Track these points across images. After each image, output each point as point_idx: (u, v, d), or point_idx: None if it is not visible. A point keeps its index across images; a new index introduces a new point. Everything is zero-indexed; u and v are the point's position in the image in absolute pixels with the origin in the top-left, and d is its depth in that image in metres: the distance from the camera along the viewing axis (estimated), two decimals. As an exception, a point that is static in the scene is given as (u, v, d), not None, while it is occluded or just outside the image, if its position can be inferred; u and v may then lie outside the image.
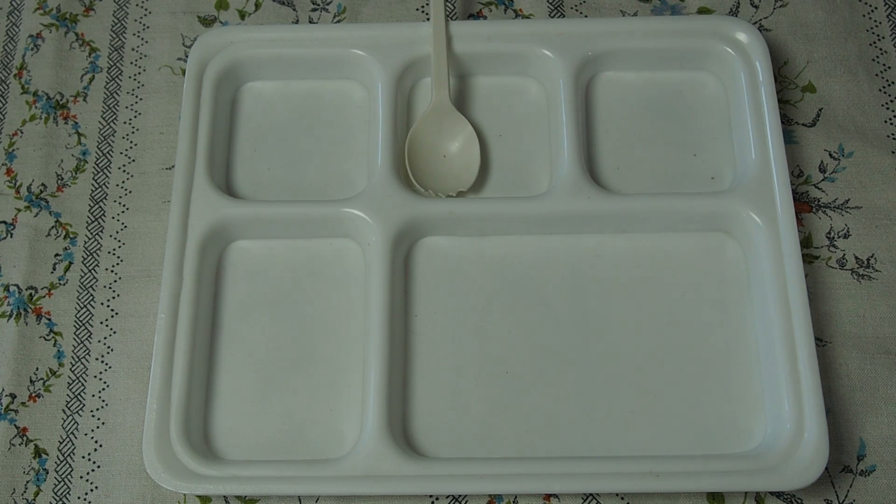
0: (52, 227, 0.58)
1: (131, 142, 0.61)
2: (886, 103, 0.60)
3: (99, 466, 0.53)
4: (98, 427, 0.54)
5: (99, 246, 0.58)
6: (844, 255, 0.56)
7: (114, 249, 0.58)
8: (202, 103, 0.58)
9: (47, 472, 0.53)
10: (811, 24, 0.62)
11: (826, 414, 0.49)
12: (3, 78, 0.63)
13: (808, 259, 0.56)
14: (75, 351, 0.55)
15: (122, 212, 0.59)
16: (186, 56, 0.62)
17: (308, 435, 0.52)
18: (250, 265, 0.56)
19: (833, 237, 0.57)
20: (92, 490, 0.52)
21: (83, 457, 0.53)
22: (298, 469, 0.50)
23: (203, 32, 0.62)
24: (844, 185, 0.58)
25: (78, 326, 0.56)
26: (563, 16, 0.63)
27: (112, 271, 0.57)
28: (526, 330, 0.54)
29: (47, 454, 0.53)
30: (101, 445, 0.53)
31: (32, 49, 0.63)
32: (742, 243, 0.55)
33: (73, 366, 0.55)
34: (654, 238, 0.56)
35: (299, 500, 0.52)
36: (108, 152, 0.60)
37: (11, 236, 0.58)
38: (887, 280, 0.55)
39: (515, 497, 0.51)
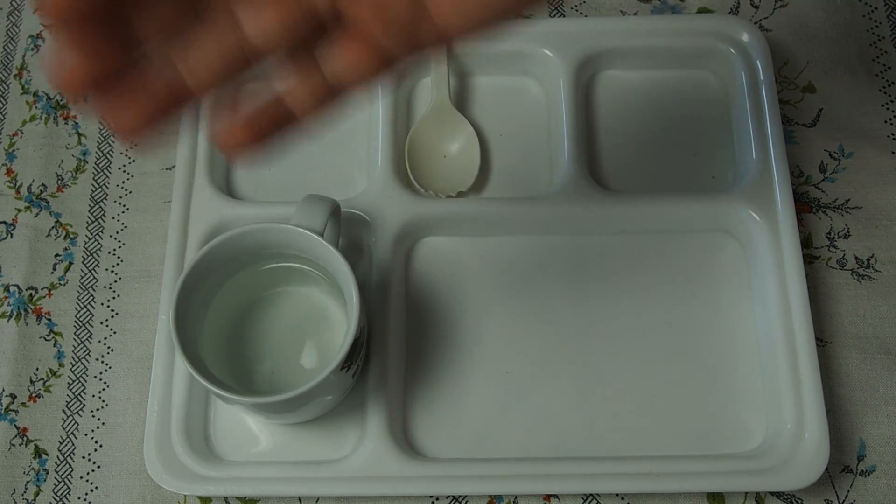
0: (53, 228, 0.58)
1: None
2: (886, 103, 0.60)
3: (99, 467, 0.53)
4: (98, 427, 0.54)
5: (99, 246, 0.58)
6: (844, 255, 0.56)
7: (114, 250, 0.58)
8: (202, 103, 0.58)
9: (47, 473, 0.53)
10: (811, 24, 0.62)
11: (826, 414, 0.49)
12: (3, 78, 0.63)
13: (809, 259, 0.56)
14: (75, 351, 0.55)
15: (123, 212, 0.59)
16: (186, 56, 0.62)
17: (308, 435, 0.52)
18: (250, 265, 0.56)
19: (833, 237, 0.57)
20: (92, 490, 0.52)
21: (83, 457, 0.53)
22: (299, 470, 0.50)
23: (203, 32, 0.62)
24: (844, 185, 0.58)
25: (78, 327, 0.56)
26: (563, 16, 0.63)
27: (112, 271, 0.57)
28: (526, 330, 0.54)
29: (47, 454, 0.53)
30: (101, 446, 0.53)
31: (32, 49, 0.63)
32: (742, 243, 0.55)
33: (73, 366, 0.55)
34: (655, 238, 0.56)
35: (299, 500, 0.52)
36: (108, 152, 0.60)
37: (11, 236, 0.58)
38: (887, 280, 0.55)
39: (515, 497, 0.51)
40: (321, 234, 0.48)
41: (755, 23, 0.62)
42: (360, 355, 0.48)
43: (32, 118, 0.62)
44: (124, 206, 0.59)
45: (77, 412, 0.54)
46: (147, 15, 0.28)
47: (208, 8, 0.29)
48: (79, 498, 0.52)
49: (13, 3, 0.65)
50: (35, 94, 0.62)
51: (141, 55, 0.29)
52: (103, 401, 0.54)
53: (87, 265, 0.57)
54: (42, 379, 0.55)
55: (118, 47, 0.28)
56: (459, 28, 0.31)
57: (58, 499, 0.52)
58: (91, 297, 0.57)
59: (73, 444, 0.53)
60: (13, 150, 0.61)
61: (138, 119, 0.30)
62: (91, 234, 0.58)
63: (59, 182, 0.60)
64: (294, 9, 0.29)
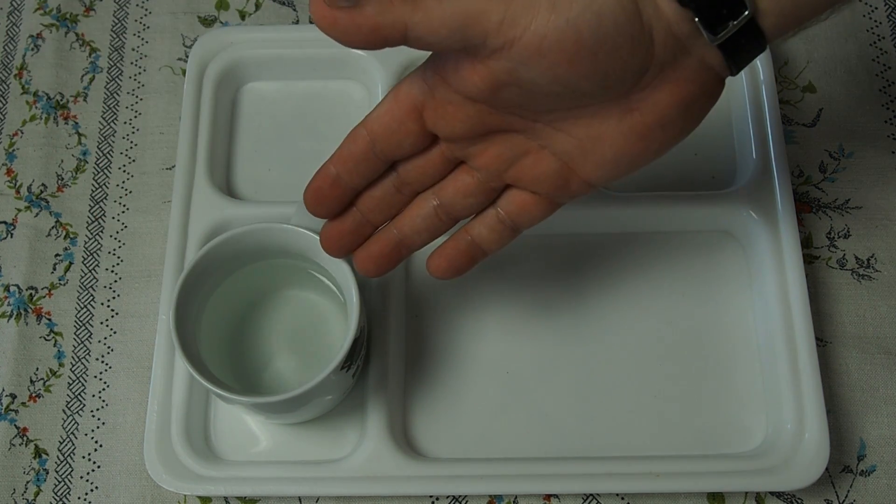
0: (53, 228, 0.58)
1: (131, 142, 0.61)
2: (886, 103, 0.60)
3: (99, 467, 0.53)
4: (98, 427, 0.54)
5: (99, 246, 0.58)
6: (844, 255, 0.56)
7: (114, 249, 0.58)
8: (202, 103, 0.58)
9: (47, 473, 0.53)
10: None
11: (826, 414, 0.49)
12: (3, 78, 0.63)
13: (809, 259, 0.56)
14: (75, 351, 0.55)
15: (123, 212, 0.59)
16: (187, 56, 0.62)
17: (308, 435, 0.52)
18: (250, 265, 0.56)
19: (833, 237, 0.57)
20: (92, 490, 0.52)
21: (83, 457, 0.53)
22: (299, 470, 0.50)
23: (203, 33, 0.62)
24: (844, 185, 0.58)
25: (78, 326, 0.56)
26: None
27: (112, 271, 0.57)
28: (526, 330, 0.54)
29: (47, 454, 0.53)
30: (101, 445, 0.53)
31: (32, 49, 0.63)
32: (742, 243, 0.55)
33: (73, 366, 0.55)
34: (655, 238, 0.56)
35: (300, 500, 0.52)
36: (108, 152, 0.60)
37: (11, 236, 0.58)
38: (887, 280, 0.55)
39: (515, 497, 0.51)
40: None
41: (755, 23, 0.62)
42: (360, 355, 0.48)
43: (32, 118, 0.62)
44: (124, 206, 0.59)
45: (77, 412, 0.54)
46: (366, 198, 0.43)
47: (407, 185, 0.42)
48: (79, 498, 0.52)
49: (13, 3, 0.65)
50: (35, 94, 0.62)
51: (369, 223, 0.43)
52: (103, 401, 0.54)
53: (87, 265, 0.57)
54: (42, 379, 0.55)
55: (350, 217, 0.43)
56: (602, 181, 0.40)
57: (58, 499, 0.52)
58: (91, 297, 0.57)
59: (73, 444, 0.53)
60: (13, 150, 0.61)
61: (374, 260, 0.44)
62: (91, 234, 0.58)
63: (59, 182, 0.60)
64: (476, 185, 0.41)
